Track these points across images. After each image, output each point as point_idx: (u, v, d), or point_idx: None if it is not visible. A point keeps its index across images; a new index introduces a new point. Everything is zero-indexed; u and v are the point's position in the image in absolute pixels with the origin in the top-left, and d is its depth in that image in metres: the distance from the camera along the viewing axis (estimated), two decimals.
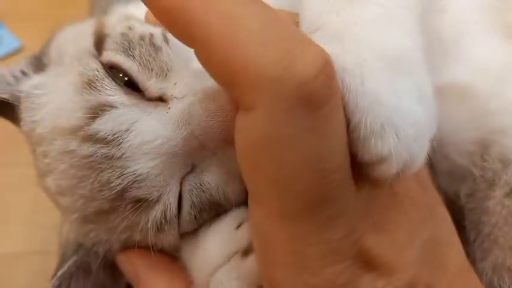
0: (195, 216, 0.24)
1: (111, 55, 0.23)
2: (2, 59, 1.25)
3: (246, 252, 0.23)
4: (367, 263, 0.19)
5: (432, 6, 0.27)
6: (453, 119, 0.30)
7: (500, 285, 0.28)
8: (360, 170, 0.19)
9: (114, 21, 0.27)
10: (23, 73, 0.29)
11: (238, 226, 0.24)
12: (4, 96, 0.27)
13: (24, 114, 0.26)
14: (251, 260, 0.22)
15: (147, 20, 0.27)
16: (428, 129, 0.19)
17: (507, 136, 0.30)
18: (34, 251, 0.99)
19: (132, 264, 0.25)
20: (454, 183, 0.31)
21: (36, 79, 0.27)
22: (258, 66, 0.16)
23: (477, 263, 0.29)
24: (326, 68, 0.17)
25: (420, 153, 0.19)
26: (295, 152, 0.17)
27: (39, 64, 0.29)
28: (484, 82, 0.30)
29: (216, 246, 0.24)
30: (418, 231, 0.21)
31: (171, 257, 0.25)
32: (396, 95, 0.18)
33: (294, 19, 0.22)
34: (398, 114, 0.18)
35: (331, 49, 0.19)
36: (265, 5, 0.18)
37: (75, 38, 0.28)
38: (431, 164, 0.28)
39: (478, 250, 0.30)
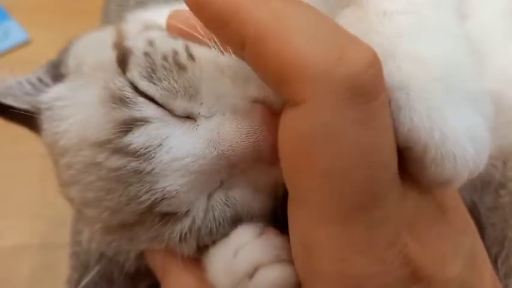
0: (211, 230, 0.25)
1: (136, 80, 0.24)
2: (10, 51, 1.28)
3: (251, 274, 0.23)
4: (410, 275, 0.20)
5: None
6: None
7: None
8: (408, 181, 0.20)
9: (134, 32, 0.28)
10: (40, 81, 0.30)
11: (236, 253, 0.24)
12: (25, 107, 0.28)
13: (46, 125, 0.27)
14: (257, 280, 0.23)
15: (169, 29, 0.27)
16: (488, 134, 0.21)
17: None
18: (36, 243, 1.02)
19: (161, 261, 0.26)
20: (473, 191, 0.32)
21: (56, 90, 0.28)
22: (310, 59, 0.17)
23: (500, 280, 0.30)
24: (375, 63, 0.18)
25: (483, 161, 0.21)
26: (346, 144, 0.18)
27: (56, 73, 0.30)
28: (509, 92, 0.31)
29: (220, 273, 0.25)
30: (461, 242, 0.22)
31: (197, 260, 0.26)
32: (459, 119, 0.20)
33: None
34: (459, 138, 0.19)
35: (387, 70, 0.19)
36: (311, 6, 0.19)
37: (94, 48, 0.29)
38: None
39: (502, 266, 0.31)
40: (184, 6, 0.30)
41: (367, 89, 0.18)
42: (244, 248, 0.24)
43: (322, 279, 0.20)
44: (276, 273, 0.22)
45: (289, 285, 0.22)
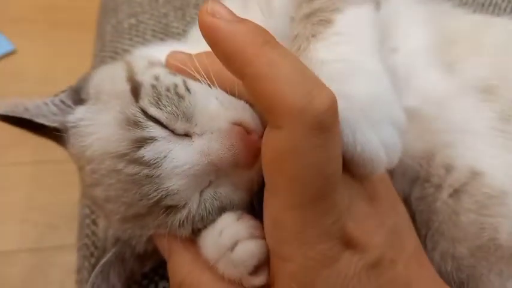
0: (202, 217, 0.32)
1: (146, 107, 0.32)
2: None
3: (232, 248, 0.30)
4: (348, 242, 0.28)
5: (385, 46, 0.36)
6: (405, 135, 0.39)
7: (445, 269, 0.37)
8: (346, 176, 0.28)
9: (142, 68, 0.36)
10: (63, 103, 0.37)
11: (220, 233, 0.31)
12: (55, 125, 0.36)
13: (73, 140, 0.35)
14: (236, 251, 0.30)
15: (168, 66, 0.36)
16: (399, 140, 0.30)
17: (448, 148, 0.39)
18: (27, 248, 1.06)
19: (167, 241, 0.33)
20: (405, 184, 0.40)
21: (79, 112, 0.35)
22: (290, 100, 0.24)
23: (428, 252, 0.38)
24: (333, 105, 0.25)
25: (395, 159, 0.30)
26: (308, 160, 0.25)
27: (77, 97, 0.37)
28: (429, 108, 0.39)
29: (210, 248, 0.32)
30: (384, 220, 0.30)
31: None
32: (375, 134, 0.28)
33: None
34: (374, 148, 0.28)
35: None
36: (296, 58, 0.27)
37: (110, 79, 0.36)
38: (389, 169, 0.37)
39: (429, 242, 0.39)
40: (173, 46, 0.38)
41: (326, 123, 0.25)
42: (227, 229, 0.32)
43: (288, 246, 0.27)
44: (250, 246, 0.30)
45: (260, 255, 0.30)
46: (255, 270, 0.31)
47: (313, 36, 0.32)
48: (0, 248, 1.07)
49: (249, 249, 0.30)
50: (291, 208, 0.27)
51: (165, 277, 0.44)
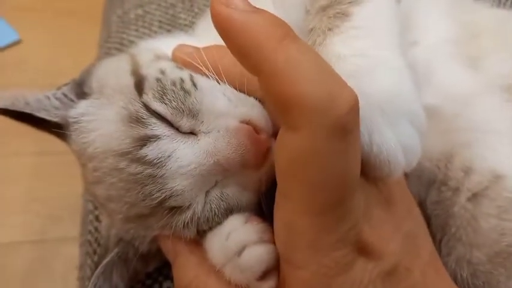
0: (208, 219, 0.31)
1: (150, 101, 0.31)
2: (1, 51, 1.31)
3: (240, 252, 0.29)
4: (363, 249, 0.27)
5: (405, 39, 0.34)
6: (425, 136, 0.38)
7: (461, 275, 0.36)
8: (362, 179, 0.27)
9: (147, 61, 0.34)
10: (65, 96, 0.36)
11: (228, 236, 0.30)
12: (56, 120, 0.35)
13: (75, 136, 0.34)
14: (243, 256, 0.29)
15: (175, 60, 0.34)
16: (418, 141, 0.28)
17: (468, 149, 0.38)
18: (30, 240, 1.07)
19: (172, 243, 0.33)
20: (421, 187, 0.39)
21: (82, 106, 0.34)
22: (309, 100, 0.23)
23: (443, 258, 0.37)
24: (355, 106, 0.24)
25: (413, 161, 0.28)
26: (329, 166, 0.24)
27: (80, 91, 0.36)
28: (450, 105, 0.38)
29: (216, 252, 0.31)
30: (400, 225, 0.29)
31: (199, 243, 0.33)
32: (394, 134, 0.27)
33: None
34: (392, 149, 0.27)
35: None
36: (317, 54, 0.25)
37: (114, 73, 0.35)
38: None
39: (445, 247, 0.38)
40: (181, 39, 0.36)
41: (347, 126, 0.23)
42: (234, 232, 0.31)
43: (300, 253, 0.26)
44: (259, 250, 0.29)
45: (269, 260, 0.29)
46: (263, 275, 0.29)
47: (329, 29, 0.30)
48: (3, 240, 1.07)
49: (257, 255, 0.29)
50: (307, 214, 0.25)
51: (169, 277, 0.43)
